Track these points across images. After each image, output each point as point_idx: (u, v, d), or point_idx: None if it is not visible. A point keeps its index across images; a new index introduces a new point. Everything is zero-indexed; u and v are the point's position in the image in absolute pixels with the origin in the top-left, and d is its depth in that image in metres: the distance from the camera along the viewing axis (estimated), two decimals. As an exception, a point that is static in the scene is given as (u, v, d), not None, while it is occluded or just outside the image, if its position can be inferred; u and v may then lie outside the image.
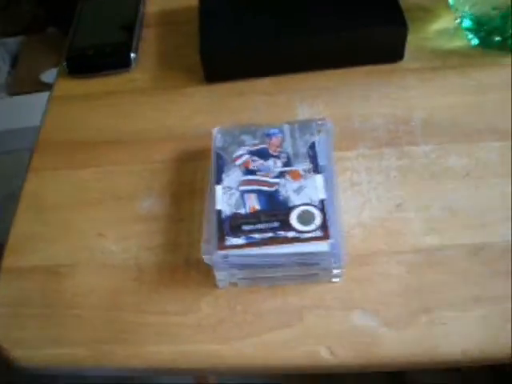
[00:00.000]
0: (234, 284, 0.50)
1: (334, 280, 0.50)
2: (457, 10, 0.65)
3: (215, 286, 0.50)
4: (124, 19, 0.71)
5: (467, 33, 0.65)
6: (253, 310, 0.49)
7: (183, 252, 0.53)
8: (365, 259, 0.51)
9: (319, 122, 0.56)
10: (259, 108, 0.63)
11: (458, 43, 0.66)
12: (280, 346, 0.48)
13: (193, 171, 0.58)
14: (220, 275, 0.49)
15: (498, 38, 0.63)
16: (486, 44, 0.64)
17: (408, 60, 0.65)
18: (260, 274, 0.50)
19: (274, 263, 0.48)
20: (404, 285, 0.50)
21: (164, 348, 0.48)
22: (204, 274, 0.51)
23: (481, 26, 0.63)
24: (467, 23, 0.65)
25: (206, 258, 0.48)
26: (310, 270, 0.49)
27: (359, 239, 0.52)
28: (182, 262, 0.52)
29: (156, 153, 0.60)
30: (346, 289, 0.50)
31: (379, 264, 0.51)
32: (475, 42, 0.65)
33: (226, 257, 0.48)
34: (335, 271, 0.49)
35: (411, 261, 0.51)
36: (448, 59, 0.65)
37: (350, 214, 0.53)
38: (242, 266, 0.48)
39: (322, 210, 0.49)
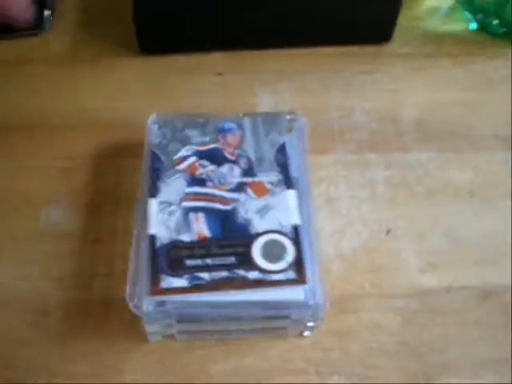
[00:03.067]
0: (171, 337, 0.36)
1: (305, 334, 0.37)
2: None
3: (145, 338, 0.36)
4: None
5: (466, 13, 0.53)
6: (196, 375, 0.35)
7: (100, 287, 0.39)
8: (346, 304, 0.39)
9: (289, 117, 0.42)
10: (208, 91, 0.49)
11: (453, 26, 0.54)
12: (234, 429, 0.34)
13: (118, 173, 0.43)
14: (152, 328, 0.35)
15: (496, 22, 0.51)
16: (485, 28, 0.52)
17: (396, 42, 0.52)
18: (208, 327, 0.35)
19: (228, 316, 0.34)
20: (398, 342, 0.37)
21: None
22: (129, 320, 0.37)
23: (480, 7, 0.51)
24: (465, 3, 0.52)
25: (132, 307, 0.33)
26: (277, 323, 0.35)
27: (338, 276, 0.39)
28: (98, 301, 0.38)
29: (70, 145, 0.45)
30: (321, 346, 0.37)
31: (365, 311, 0.38)
32: (473, 26, 0.53)
33: (161, 304, 0.33)
34: (310, 324, 0.36)
35: (405, 308, 0.39)
36: (442, 45, 0.53)
37: (326, 242, 0.40)
38: (184, 318, 0.34)
39: (296, 240, 0.35)
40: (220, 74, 0.50)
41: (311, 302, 0.34)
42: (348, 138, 0.46)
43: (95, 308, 0.38)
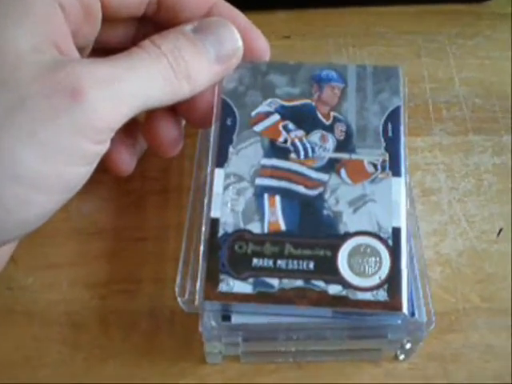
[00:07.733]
0: (235, 357, 0.33)
1: (400, 357, 0.33)
2: None
3: (201, 359, 0.33)
4: None
5: None
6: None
7: (146, 295, 0.35)
8: (449, 320, 0.35)
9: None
10: (274, 57, 0.44)
11: None
12: None
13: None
14: (212, 347, 0.31)
15: None
16: None
17: (496, 1, 0.47)
18: (280, 348, 0.32)
19: (308, 335, 0.30)
20: (513, 368, 0.33)
21: None
22: (182, 336, 0.34)
23: None
24: None
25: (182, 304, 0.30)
26: (369, 344, 0.32)
27: (439, 285, 0.36)
28: (144, 313, 0.35)
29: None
30: (421, 372, 0.33)
31: (473, 330, 0.35)
32: None
33: (225, 319, 0.30)
34: (407, 346, 0.32)
35: (523, 327, 0.35)
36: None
37: (423, 244, 0.36)
38: (252, 336, 0.30)
39: (395, 248, 0.30)
40: (287, 37, 0.46)
41: (410, 324, 0.29)
42: (446, 117, 0.42)
43: (141, 320, 0.35)
